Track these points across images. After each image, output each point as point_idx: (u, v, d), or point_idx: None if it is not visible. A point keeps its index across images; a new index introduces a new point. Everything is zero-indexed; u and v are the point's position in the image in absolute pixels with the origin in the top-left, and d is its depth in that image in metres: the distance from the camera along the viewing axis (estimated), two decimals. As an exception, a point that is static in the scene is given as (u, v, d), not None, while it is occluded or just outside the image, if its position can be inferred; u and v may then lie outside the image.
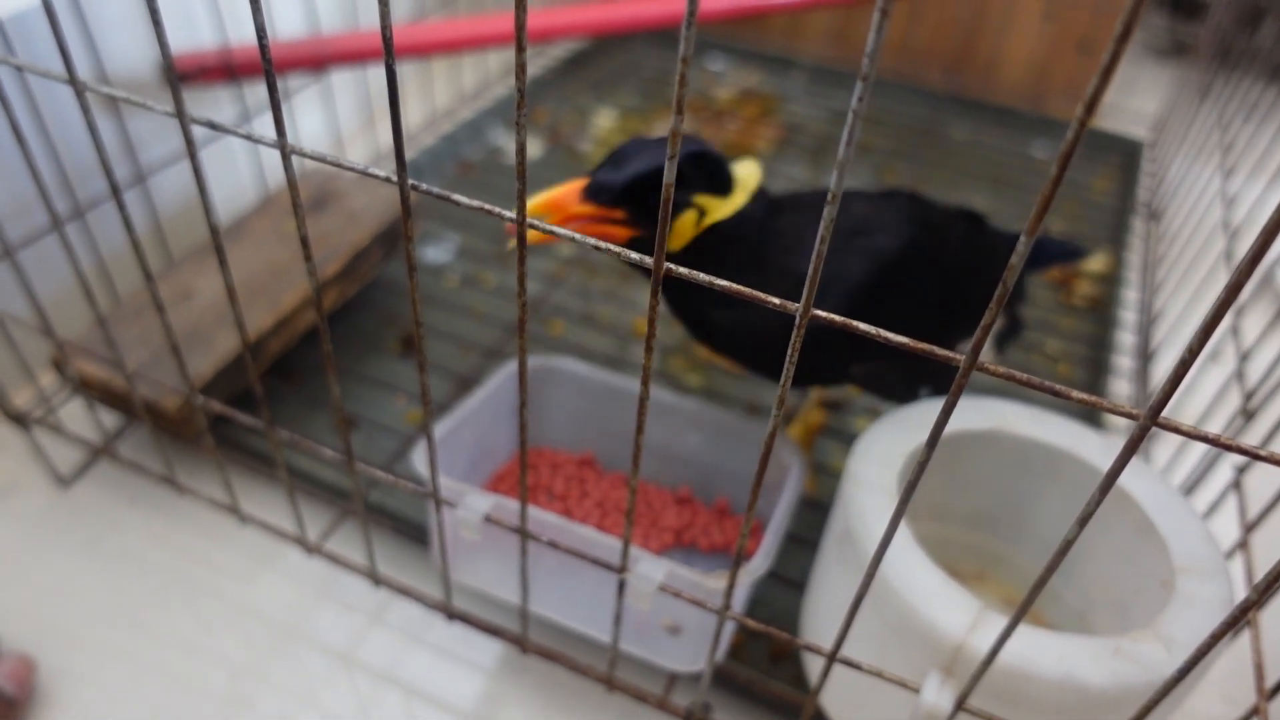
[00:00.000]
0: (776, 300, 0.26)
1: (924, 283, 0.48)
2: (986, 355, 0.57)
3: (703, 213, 0.44)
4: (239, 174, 0.79)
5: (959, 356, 0.24)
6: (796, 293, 0.46)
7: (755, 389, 0.68)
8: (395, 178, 0.28)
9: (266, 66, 0.28)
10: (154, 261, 0.67)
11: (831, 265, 0.46)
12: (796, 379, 0.51)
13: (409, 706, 0.49)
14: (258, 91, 0.76)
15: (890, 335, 0.25)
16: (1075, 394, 0.24)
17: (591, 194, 0.43)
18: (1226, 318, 0.63)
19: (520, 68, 0.24)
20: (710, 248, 0.45)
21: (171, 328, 0.40)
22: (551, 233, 0.28)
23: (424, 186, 0.29)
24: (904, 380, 0.49)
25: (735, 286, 0.26)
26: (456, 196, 0.29)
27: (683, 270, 0.26)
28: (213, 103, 0.75)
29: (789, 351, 0.26)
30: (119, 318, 0.60)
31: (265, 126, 0.77)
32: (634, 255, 0.27)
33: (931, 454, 0.26)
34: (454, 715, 0.49)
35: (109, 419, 0.63)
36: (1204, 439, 0.23)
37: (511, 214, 0.28)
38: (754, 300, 0.26)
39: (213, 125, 0.32)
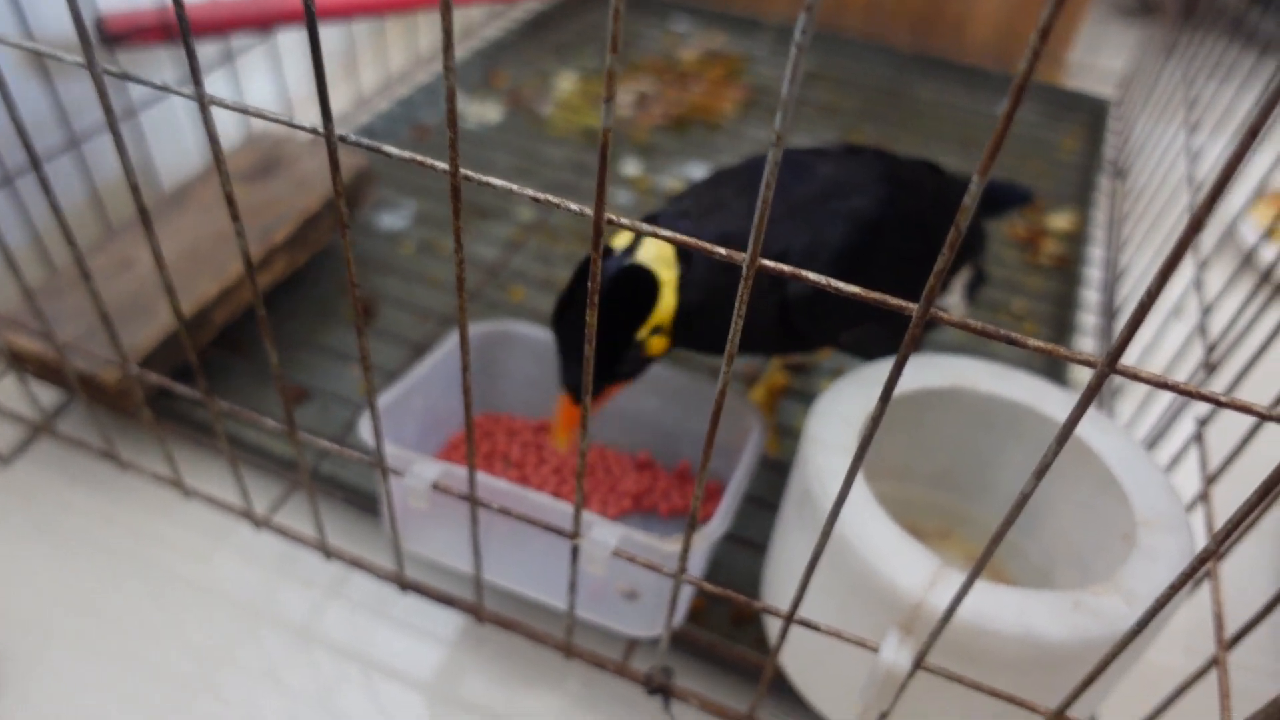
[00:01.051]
0: (722, 250, 0.25)
1: (902, 240, 0.47)
2: (959, 309, 0.56)
3: (657, 329, 0.43)
4: (183, 139, 0.76)
5: (911, 305, 0.23)
6: (779, 285, 0.44)
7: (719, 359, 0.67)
8: (337, 137, 0.27)
9: (178, 9, 0.26)
10: (93, 230, 0.65)
11: (810, 233, 0.45)
12: (782, 349, 0.50)
13: (370, 682, 0.48)
14: (203, 52, 0.73)
15: (840, 285, 0.24)
16: (1032, 342, 0.23)
17: (596, 391, 0.43)
18: (1189, 269, 0.62)
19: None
20: (689, 325, 0.44)
21: (100, 296, 0.39)
22: None
23: (352, 138, 0.27)
24: (890, 342, 0.48)
25: (684, 238, 0.25)
26: (386, 147, 0.27)
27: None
28: (154, 63, 0.72)
29: (736, 304, 0.25)
30: (56, 288, 0.57)
31: (214, 88, 0.74)
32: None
33: (885, 408, 0.25)
34: (415, 688, 0.48)
35: (50, 395, 0.61)
36: (1163, 385, 0.22)
37: (445, 165, 0.26)
38: (700, 250, 0.25)
39: (126, 76, 0.30)
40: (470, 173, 0.26)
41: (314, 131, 0.27)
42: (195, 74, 0.28)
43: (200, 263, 0.59)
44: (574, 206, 0.25)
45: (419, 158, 0.26)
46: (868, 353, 0.48)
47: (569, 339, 0.42)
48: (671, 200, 0.48)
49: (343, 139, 0.27)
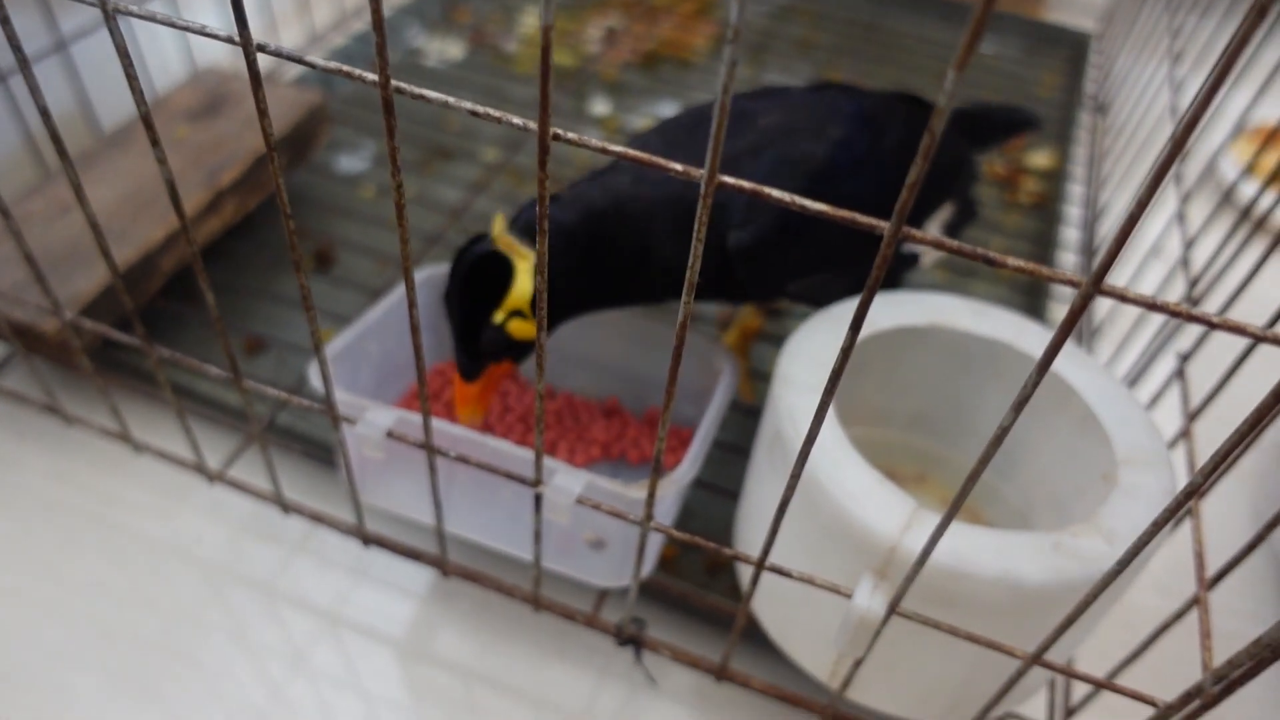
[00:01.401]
0: (679, 166, 0.23)
1: (864, 179, 0.45)
2: (932, 254, 0.55)
3: (519, 312, 0.42)
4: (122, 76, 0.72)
5: (882, 224, 0.21)
6: (718, 217, 0.42)
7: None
8: (255, 52, 0.24)
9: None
10: (29, 174, 0.61)
11: (752, 180, 0.42)
12: (732, 297, 0.48)
13: (340, 638, 0.47)
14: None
15: (806, 202, 0.22)
16: (1011, 261, 0.21)
17: (466, 376, 0.43)
18: (1172, 202, 0.61)
19: None
20: (558, 299, 0.43)
21: (23, 238, 0.36)
22: None
23: (272, 47, 0.25)
24: (845, 291, 0.46)
25: (639, 156, 0.23)
26: (310, 58, 0.25)
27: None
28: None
29: (695, 226, 0.22)
30: (-11, 235, 0.54)
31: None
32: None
33: (855, 338, 0.23)
34: (386, 643, 0.47)
35: (-9, 347, 0.58)
36: (1152, 306, 0.21)
37: (374, 76, 0.24)
38: (659, 168, 0.23)
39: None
40: (402, 84, 0.23)
41: (229, 40, 0.24)
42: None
43: (144, 206, 0.56)
44: (516, 120, 0.23)
45: (344, 68, 0.24)
46: (820, 302, 0.46)
47: (452, 323, 0.43)
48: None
49: (261, 48, 0.24)
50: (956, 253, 0.21)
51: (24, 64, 0.29)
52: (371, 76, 0.24)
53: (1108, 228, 0.74)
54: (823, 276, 0.46)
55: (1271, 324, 0.38)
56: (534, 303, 0.42)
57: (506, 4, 1.01)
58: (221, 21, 0.77)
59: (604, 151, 0.23)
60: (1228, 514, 0.56)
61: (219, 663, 0.45)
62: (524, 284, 0.41)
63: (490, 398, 0.45)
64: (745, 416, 0.56)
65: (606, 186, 0.43)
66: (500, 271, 0.41)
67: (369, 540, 0.45)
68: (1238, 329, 0.21)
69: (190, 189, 0.57)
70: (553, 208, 0.42)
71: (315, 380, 0.40)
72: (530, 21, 0.98)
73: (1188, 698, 0.28)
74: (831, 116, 0.46)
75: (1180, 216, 0.52)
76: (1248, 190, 0.76)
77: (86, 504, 0.51)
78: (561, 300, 0.43)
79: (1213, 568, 0.34)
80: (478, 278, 0.41)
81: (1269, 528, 0.29)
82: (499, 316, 0.42)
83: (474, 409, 0.44)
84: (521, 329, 0.42)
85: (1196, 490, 0.23)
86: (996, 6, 1.10)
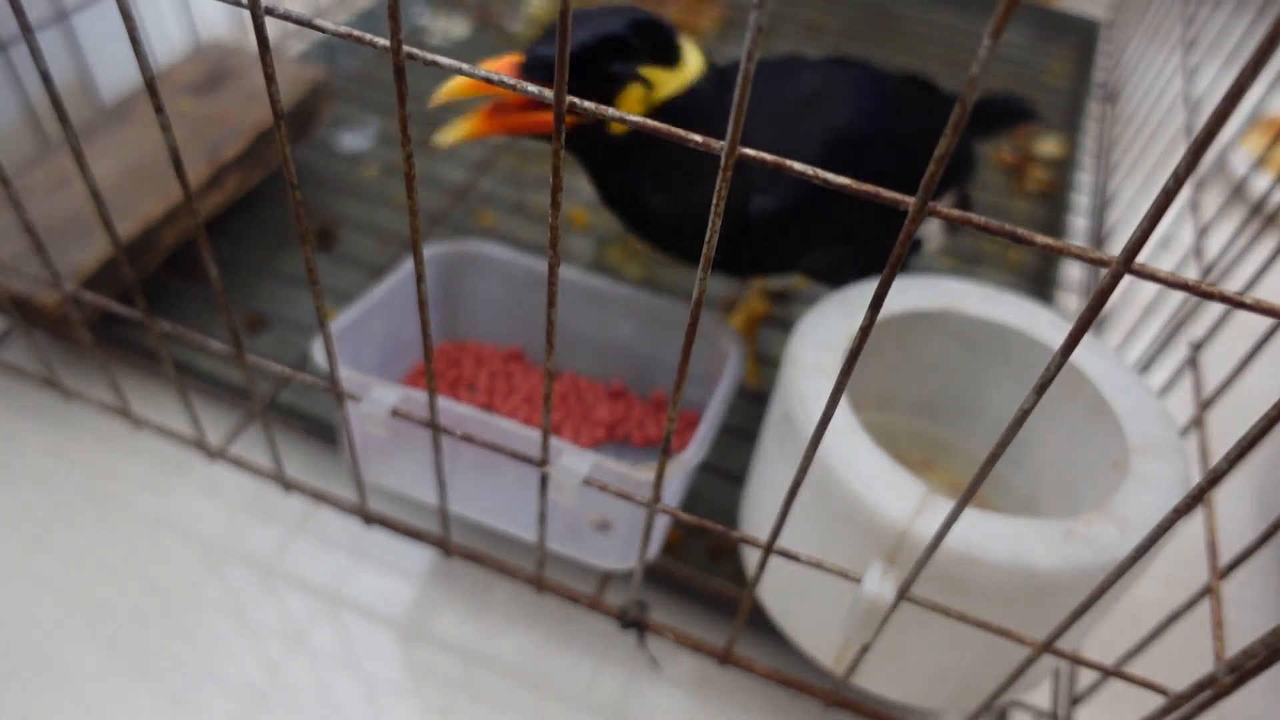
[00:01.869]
0: (699, 137, 0.22)
1: (884, 155, 0.45)
2: (936, 240, 0.54)
3: (649, 87, 0.40)
4: (125, 48, 0.71)
5: (908, 199, 0.21)
6: (741, 182, 0.41)
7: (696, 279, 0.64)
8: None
9: None
10: (29, 145, 0.60)
11: (786, 146, 0.42)
12: (743, 270, 0.47)
13: (340, 618, 0.46)
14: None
15: (829, 176, 0.21)
16: (1039, 238, 0.21)
17: (529, 70, 0.38)
18: (1186, 191, 0.60)
19: None
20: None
21: (22, 207, 0.35)
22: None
23: (281, 10, 0.24)
24: (859, 269, 0.46)
25: (651, 123, 0.22)
26: (319, 20, 0.24)
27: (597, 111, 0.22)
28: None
29: (714, 199, 0.22)
30: (-12, 207, 0.53)
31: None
32: (531, 88, 0.23)
33: (875, 318, 0.23)
34: (386, 624, 0.46)
35: (-10, 321, 0.58)
36: (1181, 285, 0.20)
37: (385, 41, 0.23)
38: (677, 139, 0.22)
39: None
40: (414, 50, 0.23)
41: (236, 3, 0.24)
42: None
43: (145, 180, 0.56)
44: (532, 89, 0.22)
45: (355, 32, 0.23)
46: (833, 279, 0.46)
47: (592, 29, 0.38)
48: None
49: (270, 11, 0.24)
50: (984, 229, 0.20)
51: (26, 29, 0.28)
52: (383, 41, 0.23)
53: (1116, 216, 0.73)
54: (839, 251, 0.45)
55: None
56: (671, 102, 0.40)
57: (512, -17, 1.00)
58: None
59: (622, 121, 0.22)
60: (1231, 503, 0.56)
61: (216, 640, 0.45)
62: (684, 74, 0.40)
63: (494, 128, 0.39)
64: (749, 401, 0.56)
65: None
66: (655, 32, 0.39)
67: (371, 519, 0.44)
68: (1267, 309, 0.20)
69: (192, 163, 0.57)
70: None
71: (319, 357, 0.40)
72: (535, 1, 0.96)
73: (1199, 687, 0.27)
74: (855, 87, 0.45)
75: (1194, 205, 0.52)
76: (1259, 184, 0.76)
77: (84, 479, 0.51)
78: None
79: (1225, 556, 0.34)
80: (657, 34, 0.39)
81: (1285, 517, 0.28)
82: (640, 69, 0.39)
83: (475, 94, 0.38)
84: (637, 99, 0.39)
85: (1220, 477, 0.23)
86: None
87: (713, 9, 0.98)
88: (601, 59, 0.39)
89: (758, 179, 0.42)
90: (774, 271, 0.47)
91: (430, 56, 0.23)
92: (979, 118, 0.56)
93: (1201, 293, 0.20)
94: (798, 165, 0.21)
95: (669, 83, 0.40)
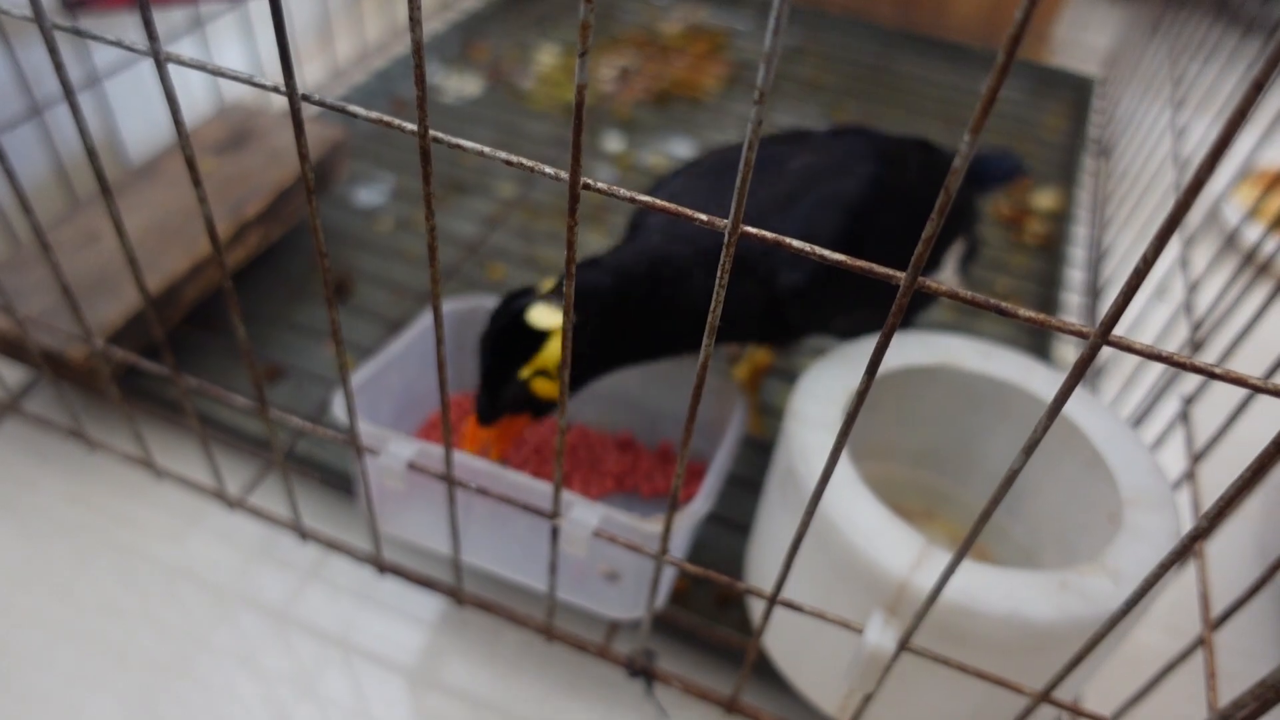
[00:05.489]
0: (704, 216, 0.24)
1: (892, 219, 0.46)
2: (952, 282, 0.56)
3: (544, 372, 0.42)
4: (153, 109, 0.74)
5: (899, 274, 0.22)
6: (768, 261, 0.43)
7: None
8: (316, 108, 0.25)
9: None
10: (58, 202, 0.63)
11: (801, 224, 0.44)
12: (778, 339, 0.49)
13: (351, 665, 0.47)
14: (170, 18, 0.71)
15: (825, 252, 0.23)
16: (1022, 312, 0.22)
17: (482, 419, 0.44)
18: (1175, 247, 0.62)
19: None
20: (593, 360, 0.43)
21: (61, 268, 0.37)
22: None
23: (315, 97, 0.26)
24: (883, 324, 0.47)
25: (659, 203, 0.24)
26: (352, 107, 0.26)
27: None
28: (119, 29, 0.70)
29: (719, 274, 0.24)
30: (20, 262, 0.55)
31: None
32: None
33: (870, 382, 0.24)
34: (396, 671, 0.47)
35: (16, 373, 0.59)
36: (1156, 356, 0.21)
37: (413, 126, 0.25)
38: (682, 216, 0.24)
39: (75, 31, 0.28)
40: (440, 134, 0.25)
41: (275, 90, 0.26)
42: (149, 27, 0.26)
43: (169, 237, 0.58)
44: (549, 171, 0.24)
45: (385, 118, 0.25)
46: (861, 335, 0.47)
47: (480, 367, 0.44)
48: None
49: (306, 98, 0.25)
50: (970, 303, 0.22)
51: (69, 91, 0.30)
52: (411, 127, 0.25)
53: (1111, 269, 0.75)
54: (865, 312, 0.47)
55: (1270, 374, 0.39)
56: (605, 331, 0.42)
57: (523, 42, 1.03)
58: (246, 53, 0.79)
59: (632, 201, 0.24)
60: (1233, 551, 0.57)
61: (228, 687, 0.46)
62: (555, 345, 0.42)
63: (506, 446, 0.45)
64: (753, 450, 0.57)
65: (640, 249, 0.44)
66: (536, 330, 0.42)
67: (386, 569, 0.45)
68: (1238, 380, 0.22)
69: (216, 220, 0.59)
70: (590, 272, 0.43)
71: (338, 410, 0.41)
72: (546, 60, 1.00)
73: (1193, 737, 0.28)
74: (857, 155, 0.47)
75: (1183, 261, 0.53)
76: (1250, 235, 0.78)
77: (104, 528, 0.52)
78: (589, 363, 0.43)
79: (1219, 605, 0.35)
80: (515, 331, 0.42)
81: (1273, 570, 0.29)
82: (525, 373, 0.42)
83: (475, 450, 0.45)
84: (545, 388, 0.43)
85: (1202, 535, 0.24)
86: (998, 46, 1.13)
87: (716, 67, 1.01)
88: (495, 387, 0.43)
89: (784, 257, 0.44)
90: (803, 337, 0.49)
91: (454, 140, 0.25)
92: (975, 175, 0.58)
93: (1177, 364, 0.21)
94: (795, 242, 0.23)
95: (552, 346, 0.42)
